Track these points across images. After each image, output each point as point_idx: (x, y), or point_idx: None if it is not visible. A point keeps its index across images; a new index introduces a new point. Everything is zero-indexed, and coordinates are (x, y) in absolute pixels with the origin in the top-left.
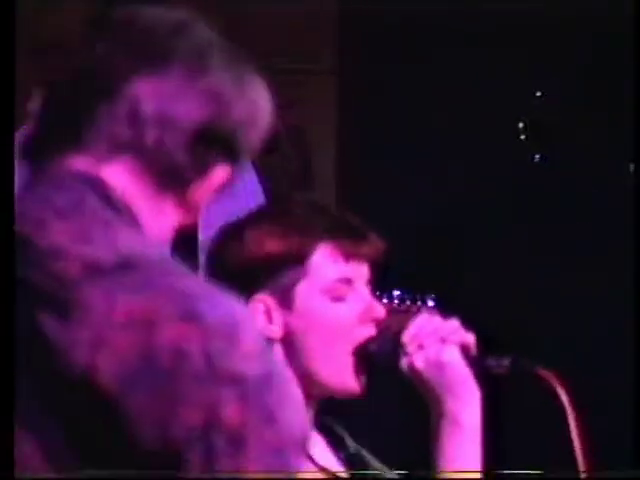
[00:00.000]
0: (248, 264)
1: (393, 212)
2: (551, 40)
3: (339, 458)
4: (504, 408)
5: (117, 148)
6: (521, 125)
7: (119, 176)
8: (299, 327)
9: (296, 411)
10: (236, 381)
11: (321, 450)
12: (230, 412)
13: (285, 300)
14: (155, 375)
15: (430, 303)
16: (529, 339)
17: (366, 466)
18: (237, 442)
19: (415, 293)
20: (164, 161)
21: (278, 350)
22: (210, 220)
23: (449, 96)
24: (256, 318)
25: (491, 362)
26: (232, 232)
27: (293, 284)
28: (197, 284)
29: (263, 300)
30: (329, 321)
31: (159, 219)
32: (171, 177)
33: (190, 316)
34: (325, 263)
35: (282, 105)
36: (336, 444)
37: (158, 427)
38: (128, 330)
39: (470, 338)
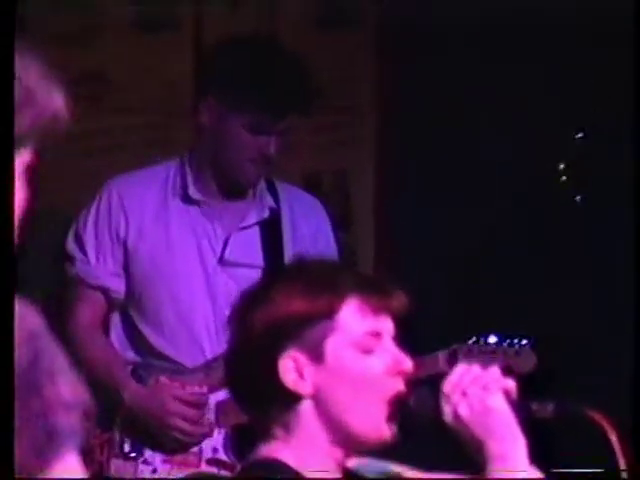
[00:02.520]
0: (277, 322)
1: (428, 248)
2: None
3: None
4: (552, 453)
5: None
6: (562, 166)
7: None
8: (330, 382)
9: (64, 383)
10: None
11: None
12: None
13: (315, 355)
14: None
15: (525, 344)
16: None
17: None
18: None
19: (511, 337)
20: None
21: (309, 405)
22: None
23: (488, 130)
24: (287, 373)
25: (535, 406)
26: (257, 293)
27: (323, 339)
28: None
29: (293, 357)
30: (359, 373)
31: None
32: None
33: None
34: (354, 317)
35: (323, 148)
36: None
37: None
38: None
39: (511, 384)
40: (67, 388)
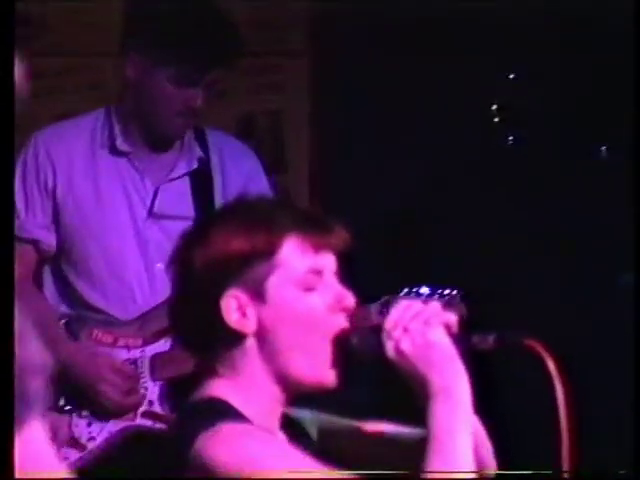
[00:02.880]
0: (217, 262)
1: (364, 196)
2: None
3: (306, 452)
4: (493, 384)
5: None
6: (494, 107)
7: None
8: (273, 320)
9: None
10: None
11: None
12: None
13: (257, 294)
14: None
15: (455, 295)
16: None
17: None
18: None
19: (442, 288)
20: None
21: (253, 343)
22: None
23: (422, 79)
24: (230, 312)
25: (476, 339)
26: (196, 233)
27: (264, 278)
28: None
29: (235, 296)
30: (302, 312)
31: None
32: None
33: None
34: (294, 255)
35: (257, 90)
36: (300, 438)
37: None
38: None
39: (453, 318)
40: (36, 351)
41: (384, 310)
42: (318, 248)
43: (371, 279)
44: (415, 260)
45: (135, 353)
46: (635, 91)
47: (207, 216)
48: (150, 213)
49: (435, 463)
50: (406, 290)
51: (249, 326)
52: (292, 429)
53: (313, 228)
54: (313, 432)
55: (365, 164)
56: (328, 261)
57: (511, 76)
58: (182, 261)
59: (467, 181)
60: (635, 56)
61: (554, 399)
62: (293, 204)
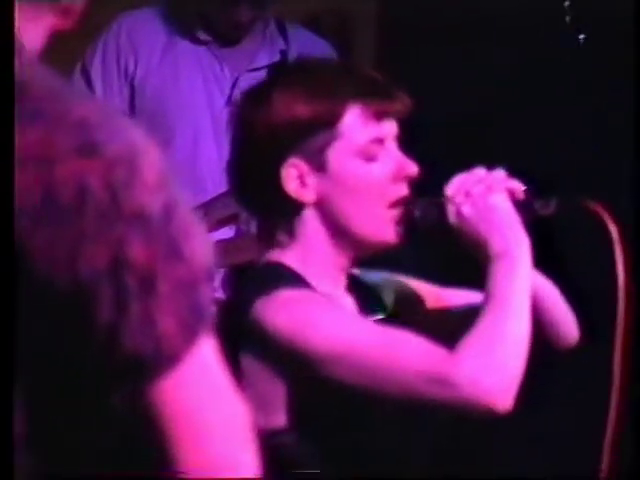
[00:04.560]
0: (279, 129)
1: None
2: None
3: (373, 317)
4: (554, 254)
5: None
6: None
7: None
8: (333, 190)
9: (201, 243)
10: (139, 216)
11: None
12: (136, 249)
13: (318, 164)
14: (58, 212)
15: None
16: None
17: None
18: (146, 280)
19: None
20: None
21: (312, 212)
22: None
23: None
24: (289, 180)
25: (538, 204)
26: (258, 95)
27: (325, 147)
28: (93, 110)
29: (295, 165)
30: (363, 182)
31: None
32: None
33: (88, 149)
34: (357, 125)
35: None
36: (369, 304)
37: (66, 267)
38: (26, 166)
39: (516, 184)
40: (203, 250)
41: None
42: (380, 116)
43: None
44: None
45: None
46: (635, 91)
47: (270, 77)
48: (228, 102)
49: (487, 321)
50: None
51: (308, 195)
52: (361, 292)
53: (375, 94)
54: (386, 296)
55: (433, 69)
56: (390, 129)
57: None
58: (243, 123)
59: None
60: (635, 56)
61: (614, 264)
62: (355, 68)
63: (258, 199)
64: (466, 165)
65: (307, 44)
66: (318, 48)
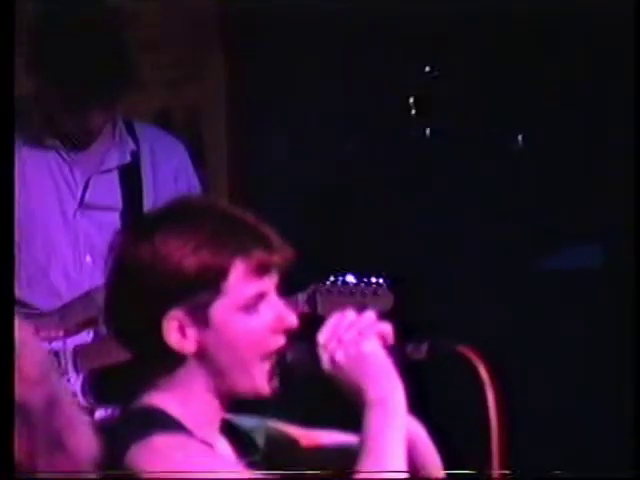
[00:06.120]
0: (163, 279)
1: (283, 187)
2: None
3: (247, 462)
4: (428, 394)
5: None
6: (411, 100)
7: None
8: (213, 342)
9: (83, 435)
10: (20, 407)
11: (228, 454)
12: (20, 439)
13: (201, 318)
14: None
15: (382, 284)
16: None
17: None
18: (31, 467)
19: (369, 277)
20: None
21: (192, 361)
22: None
23: (337, 72)
24: (171, 332)
25: (410, 348)
26: (142, 235)
27: (210, 303)
28: None
29: (177, 317)
30: (243, 335)
31: None
32: None
33: None
34: (240, 281)
35: (172, 84)
36: (243, 448)
37: None
38: None
39: (387, 328)
40: (85, 441)
41: (311, 300)
42: (263, 270)
43: (296, 269)
44: (340, 249)
45: (56, 345)
46: (635, 91)
47: (152, 216)
48: (80, 205)
49: (366, 466)
50: (332, 278)
51: (189, 346)
52: (235, 436)
53: (259, 248)
54: (259, 439)
55: (283, 156)
56: (272, 282)
57: (427, 69)
58: (125, 263)
59: (387, 172)
60: (635, 56)
61: (485, 404)
62: (238, 217)
63: (137, 344)
64: None
65: (157, 142)
66: (168, 144)
